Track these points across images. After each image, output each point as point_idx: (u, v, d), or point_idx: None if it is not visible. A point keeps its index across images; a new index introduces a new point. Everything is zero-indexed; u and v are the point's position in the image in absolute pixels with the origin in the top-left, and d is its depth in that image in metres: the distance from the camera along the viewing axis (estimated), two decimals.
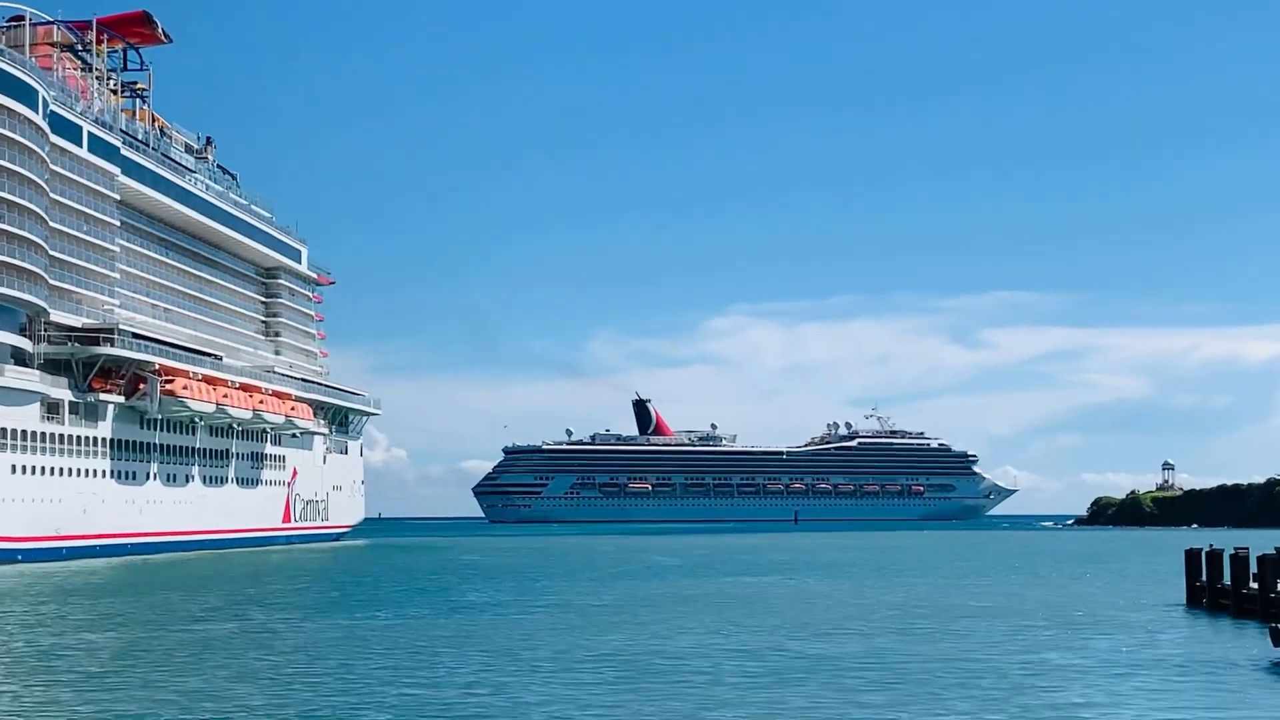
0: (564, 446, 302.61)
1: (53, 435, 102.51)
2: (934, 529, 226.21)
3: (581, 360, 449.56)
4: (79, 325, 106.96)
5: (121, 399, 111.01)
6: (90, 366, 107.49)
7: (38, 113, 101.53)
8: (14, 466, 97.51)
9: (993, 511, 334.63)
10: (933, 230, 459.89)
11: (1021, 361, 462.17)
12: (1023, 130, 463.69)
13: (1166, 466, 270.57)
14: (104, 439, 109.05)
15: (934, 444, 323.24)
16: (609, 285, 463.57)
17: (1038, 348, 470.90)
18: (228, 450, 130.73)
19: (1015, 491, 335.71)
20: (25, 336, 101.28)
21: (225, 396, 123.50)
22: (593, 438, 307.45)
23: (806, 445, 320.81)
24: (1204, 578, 56.58)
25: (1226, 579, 54.37)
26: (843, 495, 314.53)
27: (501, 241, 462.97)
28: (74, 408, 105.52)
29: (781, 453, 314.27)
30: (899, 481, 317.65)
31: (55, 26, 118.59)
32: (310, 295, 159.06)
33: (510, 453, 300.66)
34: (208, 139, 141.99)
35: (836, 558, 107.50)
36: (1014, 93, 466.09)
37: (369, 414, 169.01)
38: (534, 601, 60.54)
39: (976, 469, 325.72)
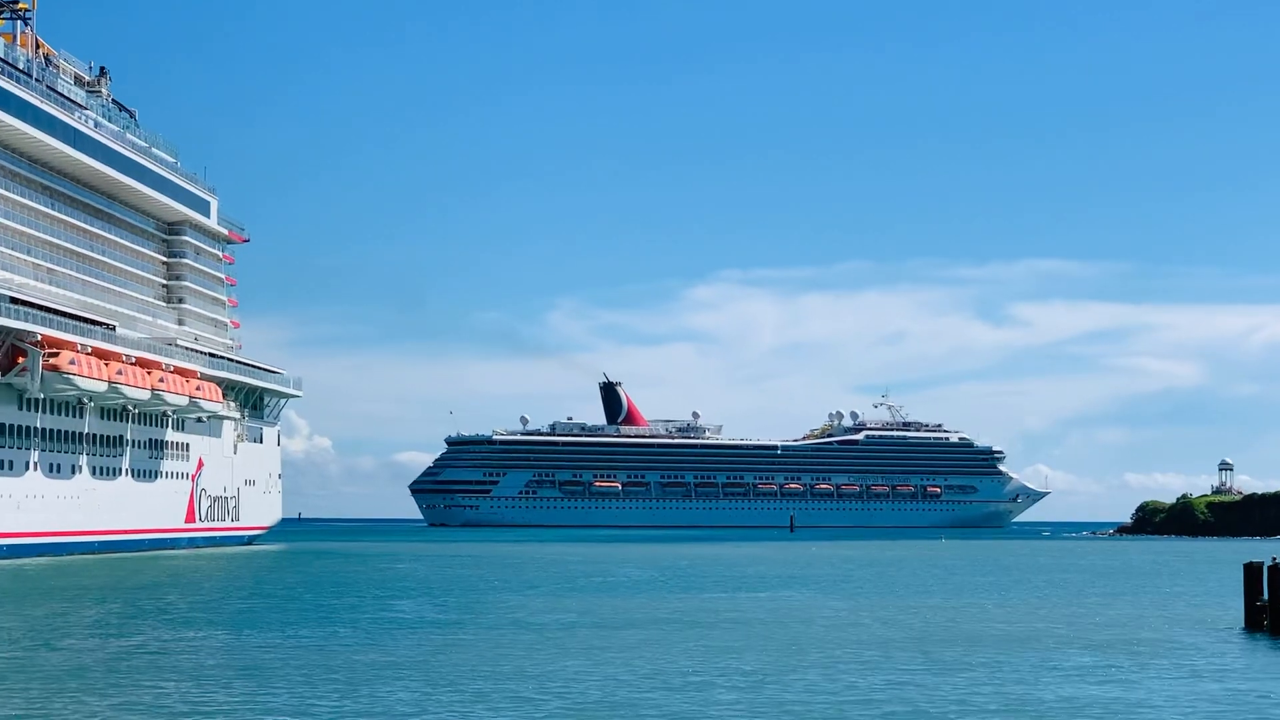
0: (518, 437, 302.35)
1: None
2: (953, 538, 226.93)
3: (540, 335, 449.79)
4: None
5: None
6: None
7: None
8: None
9: (1021, 517, 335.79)
10: (956, 188, 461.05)
11: (1057, 342, 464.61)
12: (1061, 76, 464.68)
13: (1224, 466, 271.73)
14: None
15: (954, 438, 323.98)
16: (573, 246, 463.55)
17: (1076, 326, 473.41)
18: (121, 437, 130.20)
19: (1047, 494, 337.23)
20: None
21: (119, 373, 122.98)
22: (552, 427, 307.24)
23: (805, 439, 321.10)
24: (1265, 596, 56.66)
25: None
26: (846, 498, 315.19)
27: (447, 194, 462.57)
28: None
29: (775, 447, 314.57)
30: (912, 482, 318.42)
31: None
32: (220, 255, 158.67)
33: (454, 444, 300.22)
34: (101, 69, 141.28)
35: (839, 571, 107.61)
36: (1055, 32, 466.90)
37: (288, 396, 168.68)
38: (479, 620, 60.45)
39: (1003, 468, 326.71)
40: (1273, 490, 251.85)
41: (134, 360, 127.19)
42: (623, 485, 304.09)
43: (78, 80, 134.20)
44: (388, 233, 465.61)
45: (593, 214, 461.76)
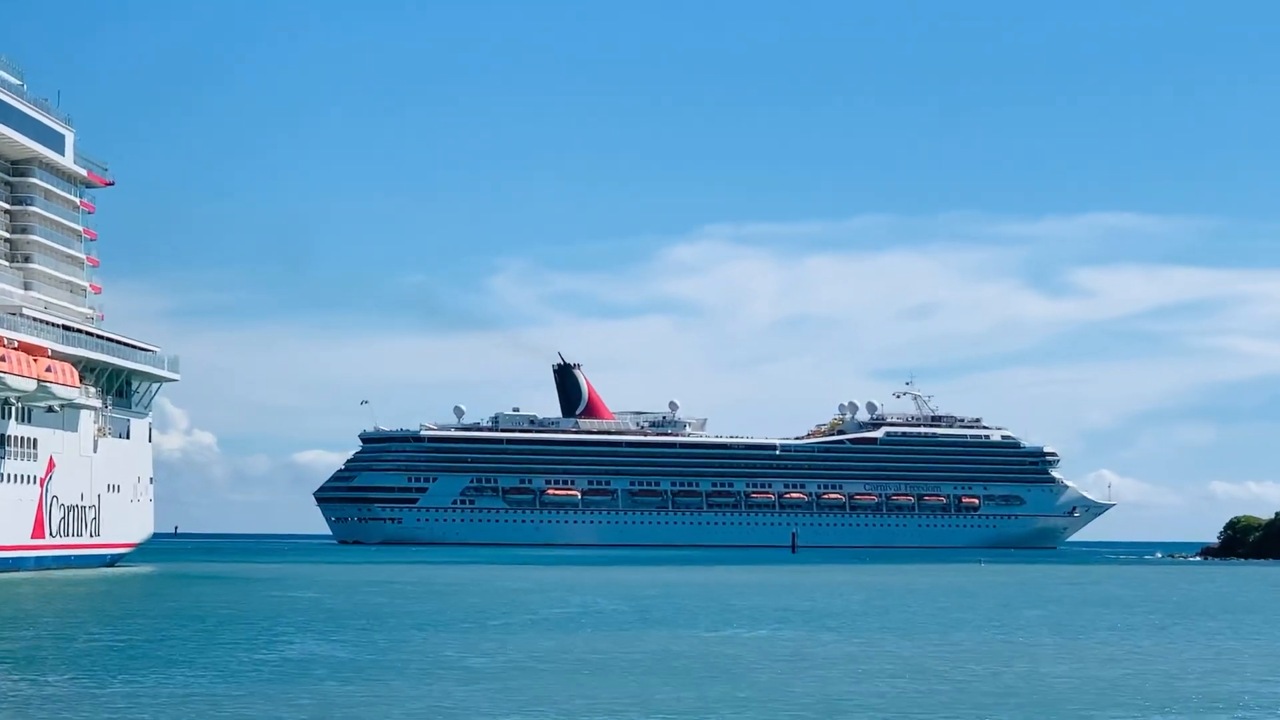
0: (451, 433, 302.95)
1: None
2: (994, 560, 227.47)
3: (478, 305, 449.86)
4: None
5: None
6: None
7: None
8: None
9: (1078, 536, 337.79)
10: (1001, 127, 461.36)
11: (1127, 317, 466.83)
12: (1147, 12, 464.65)
13: None
14: None
15: (995, 436, 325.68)
16: (520, 193, 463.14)
17: (1151, 298, 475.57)
18: None
19: (1112, 507, 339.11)
20: None
21: None
22: (494, 420, 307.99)
23: (810, 437, 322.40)
24: None
25: None
26: (861, 510, 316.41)
27: (360, 129, 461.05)
28: None
29: (773, 447, 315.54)
30: (943, 491, 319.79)
31: None
32: (76, 201, 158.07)
33: (371, 441, 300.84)
34: None
35: (855, 605, 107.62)
36: None
37: (162, 379, 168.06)
38: (395, 661, 60.44)
39: (1056, 474, 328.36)
40: None
41: None
42: (582, 494, 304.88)
43: None
44: (282, 174, 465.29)
45: (547, 152, 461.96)
